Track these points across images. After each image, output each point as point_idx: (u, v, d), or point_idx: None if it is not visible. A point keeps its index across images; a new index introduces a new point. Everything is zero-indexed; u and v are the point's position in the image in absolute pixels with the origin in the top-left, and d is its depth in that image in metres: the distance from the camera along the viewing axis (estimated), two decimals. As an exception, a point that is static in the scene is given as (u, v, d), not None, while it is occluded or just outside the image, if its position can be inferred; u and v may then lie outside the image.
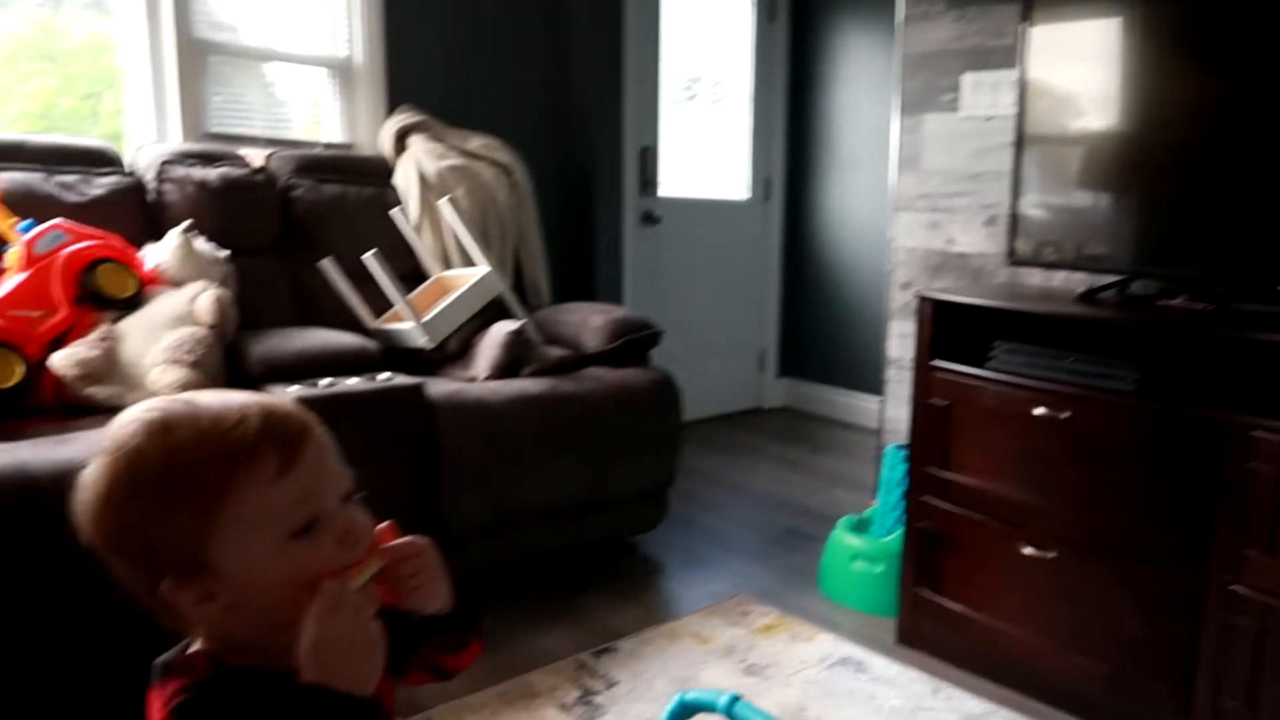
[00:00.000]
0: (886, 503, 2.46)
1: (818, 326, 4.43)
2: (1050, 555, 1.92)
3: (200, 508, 0.69)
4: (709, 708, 1.24)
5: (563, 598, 2.38)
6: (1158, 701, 1.81)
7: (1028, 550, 1.94)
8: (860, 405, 4.23)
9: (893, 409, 2.85)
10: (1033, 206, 2.22)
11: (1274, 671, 1.65)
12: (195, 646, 0.75)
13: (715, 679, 1.99)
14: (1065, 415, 1.88)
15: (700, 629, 2.22)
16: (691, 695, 1.26)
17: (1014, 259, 2.29)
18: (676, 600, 2.43)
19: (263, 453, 0.70)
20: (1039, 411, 1.91)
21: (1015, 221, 2.25)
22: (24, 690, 1.67)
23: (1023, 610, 1.99)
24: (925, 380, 2.13)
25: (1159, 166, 2.02)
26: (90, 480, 0.70)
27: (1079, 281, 2.29)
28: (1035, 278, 2.51)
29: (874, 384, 3.90)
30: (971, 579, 2.07)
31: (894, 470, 2.42)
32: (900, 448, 2.40)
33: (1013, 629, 2.00)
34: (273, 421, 0.72)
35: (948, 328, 2.12)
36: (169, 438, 0.69)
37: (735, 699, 1.23)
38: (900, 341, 2.84)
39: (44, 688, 1.69)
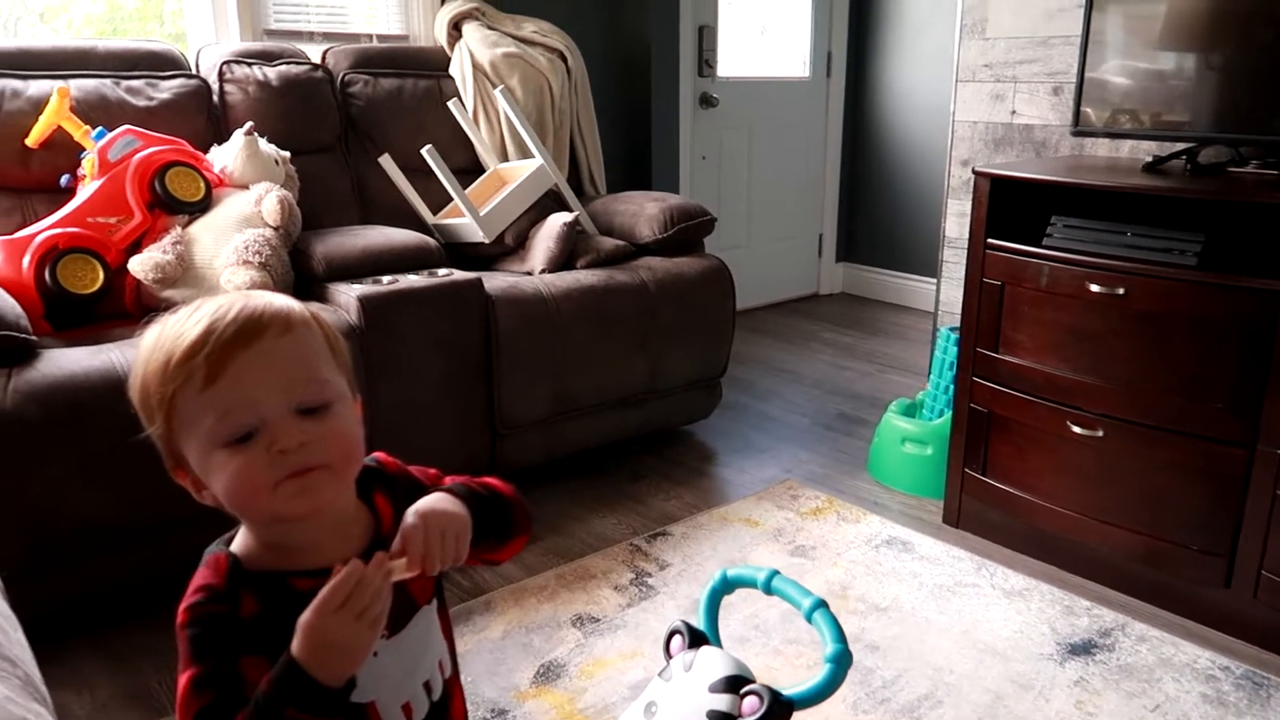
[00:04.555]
0: (938, 385, 2.48)
1: (878, 209, 4.36)
2: (1098, 434, 1.93)
3: (155, 405, 0.74)
4: (749, 584, 1.31)
5: (618, 485, 2.48)
6: (1198, 574, 1.84)
7: (1076, 429, 1.96)
8: (918, 289, 4.19)
9: (948, 291, 2.84)
10: (1103, 72, 2.13)
11: (1318, 547, 1.67)
12: (238, 535, 0.80)
13: (763, 560, 2.09)
14: (1120, 291, 1.86)
15: (750, 513, 2.31)
16: (733, 571, 1.33)
17: (1080, 129, 2.22)
18: (728, 486, 2.51)
19: (192, 367, 0.72)
20: (1094, 288, 1.89)
21: (1083, 88, 2.16)
22: (116, 582, 1.83)
23: (1067, 488, 2.02)
24: (979, 259, 2.11)
25: (1239, 24, 1.93)
26: None
27: (1148, 151, 2.22)
28: (1103, 148, 2.44)
29: (930, 267, 3.87)
30: (1018, 459, 2.10)
31: (946, 353, 2.43)
32: (954, 329, 2.41)
33: (1057, 506, 2.03)
34: (214, 332, 0.72)
35: (1005, 205, 2.09)
36: (154, 341, 0.74)
37: (774, 574, 1.29)
38: (958, 221, 2.80)
39: (135, 577, 1.85)
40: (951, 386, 2.37)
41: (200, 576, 0.77)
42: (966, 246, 2.16)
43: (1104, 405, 1.92)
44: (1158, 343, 1.84)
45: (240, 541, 0.80)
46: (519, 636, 1.81)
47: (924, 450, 2.39)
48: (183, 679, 0.72)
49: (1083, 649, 1.77)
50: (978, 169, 2.10)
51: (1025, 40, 2.56)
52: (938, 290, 2.90)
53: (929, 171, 4.02)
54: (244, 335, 0.73)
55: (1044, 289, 1.99)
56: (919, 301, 4.17)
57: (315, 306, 0.80)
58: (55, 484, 1.67)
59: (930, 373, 2.57)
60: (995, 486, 2.15)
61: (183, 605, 0.75)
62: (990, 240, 2.08)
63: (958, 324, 2.38)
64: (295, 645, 0.70)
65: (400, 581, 0.75)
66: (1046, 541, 2.09)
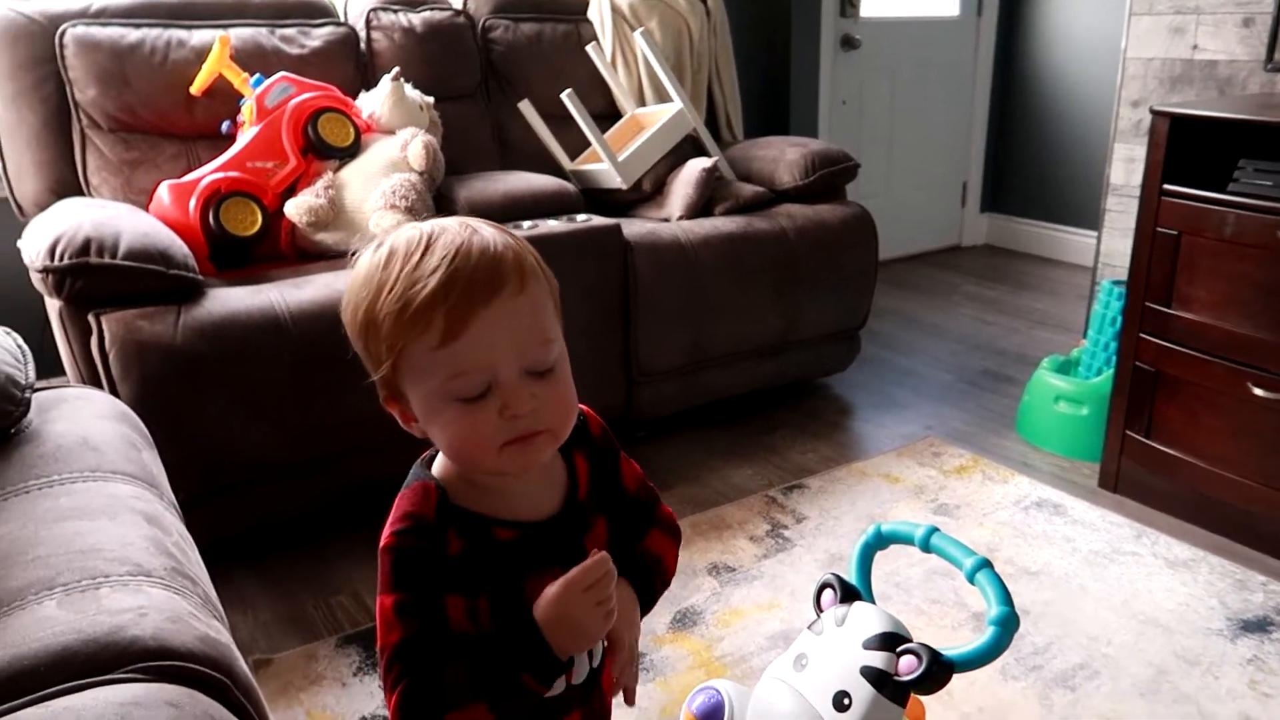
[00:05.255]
0: (1097, 342, 2.33)
1: (1028, 156, 4.12)
2: (1284, 398, 1.78)
3: (384, 348, 0.72)
4: (906, 539, 1.26)
5: (754, 436, 2.45)
6: (1398, 555, 1.68)
7: (1258, 391, 1.81)
8: (1070, 241, 3.96)
9: (1111, 241, 2.66)
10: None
11: None
12: (440, 459, 0.80)
13: (905, 517, 2.02)
14: (1318, 244, 1.70)
15: (890, 469, 2.24)
16: (888, 526, 1.28)
17: (1276, 64, 2.01)
18: (867, 440, 2.44)
19: (431, 320, 0.69)
20: (1287, 240, 1.73)
21: (1280, 19, 1.97)
22: (278, 512, 1.92)
23: (1245, 454, 1.87)
24: (1154, 207, 1.96)
25: None
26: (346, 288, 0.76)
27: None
28: (1296, 88, 2.22)
29: (1087, 217, 3.64)
30: (1188, 422, 1.96)
31: (1108, 307, 2.28)
32: (1117, 283, 2.25)
33: (1231, 474, 1.89)
34: (455, 287, 0.69)
35: (1185, 148, 1.92)
36: (383, 273, 0.71)
37: (933, 530, 1.24)
38: (1125, 167, 2.61)
39: (296, 508, 1.94)
40: (1113, 343, 2.23)
41: (409, 502, 0.76)
42: (1139, 194, 2.00)
43: (1292, 366, 1.77)
44: (1360, 299, 1.67)
45: (442, 467, 0.79)
46: (655, 582, 1.81)
47: (1079, 410, 2.26)
48: (385, 601, 0.73)
49: (1257, 626, 1.65)
50: (1155, 108, 1.94)
51: (1212, -33, 2.34)
52: (1098, 241, 2.72)
53: (1088, 115, 3.76)
54: (485, 292, 0.70)
55: (1228, 239, 1.83)
56: (1071, 254, 3.94)
57: (525, 241, 0.78)
58: (222, 417, 1.75)
59: (1088, 329, 2.42)
60: (1160, 450, 2.02)
61: (389, 529, 0.75)
62: (1166, 186, 1.93)
63: (1121, 277, 2.23)
64: (539, 612, 0.72)
65: (577, 547, 0.81)
66: (1217, 511, 1.95)
